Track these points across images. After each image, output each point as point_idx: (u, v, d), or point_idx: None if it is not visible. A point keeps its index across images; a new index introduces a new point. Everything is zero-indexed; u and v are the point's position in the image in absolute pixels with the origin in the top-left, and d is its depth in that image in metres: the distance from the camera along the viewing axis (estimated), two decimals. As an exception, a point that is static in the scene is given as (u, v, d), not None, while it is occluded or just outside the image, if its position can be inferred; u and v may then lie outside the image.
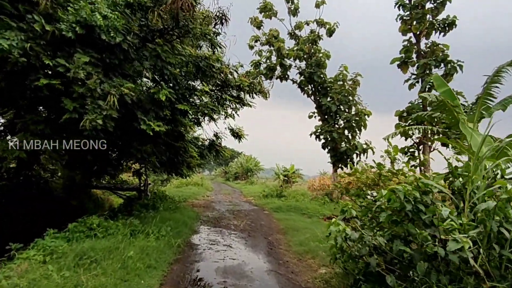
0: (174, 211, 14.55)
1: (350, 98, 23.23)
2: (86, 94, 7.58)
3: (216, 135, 13.80)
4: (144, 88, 10.00)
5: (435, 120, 13.25)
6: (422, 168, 17.49)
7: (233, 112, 12.21)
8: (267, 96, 12.23)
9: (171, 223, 11.05)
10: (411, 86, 17.47)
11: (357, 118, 22.24)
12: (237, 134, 12.84)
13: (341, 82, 23.62)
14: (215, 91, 11.41)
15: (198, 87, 10.42)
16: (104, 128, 7.94)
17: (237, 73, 11.29)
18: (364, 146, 22.23)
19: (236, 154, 77.29)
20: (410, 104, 17.37)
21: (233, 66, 11.08)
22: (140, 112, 8.77)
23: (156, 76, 10.01)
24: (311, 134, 23.92)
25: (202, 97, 9.77)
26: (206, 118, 11.78)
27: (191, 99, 10.29)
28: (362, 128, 22.79)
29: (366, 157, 22.31)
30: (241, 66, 11.83)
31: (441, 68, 16.98)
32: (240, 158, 57.49)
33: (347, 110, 23.35)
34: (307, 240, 10.21)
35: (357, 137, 22.93)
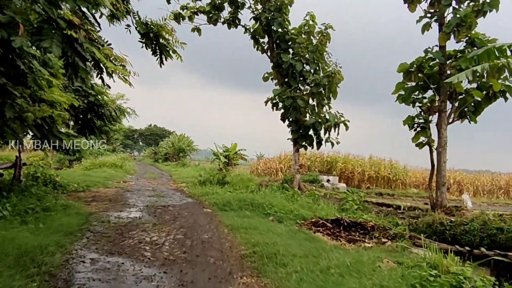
0: (35, 217, 7.38)
1: (319, 55, 17.22)
2: None
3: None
4: None
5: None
6: (434, 148, 11.93)
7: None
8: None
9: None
10: (426, 27, 11.70)
11: (326, 83, 16.25)
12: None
13: (304, 36, 17.50)
14: None
15: None
16: None
17: None
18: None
19: (167, 133, 69.11)
20: (424, 55, 11.57)
21: None
22: None
23: None
24: (266, 102, 17.59)
25: None
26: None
27: None
28: (331, 96, 16.94)
29: (338, 134, 16.56)
30: None
31: (466, 3, 11.38)
32: (172, 137, 49.66)
33: (313, 71, 17.34)
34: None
35: (326, 107, 17.03)
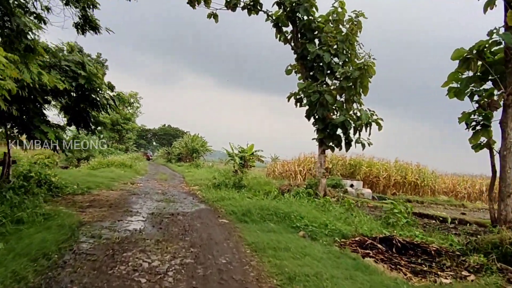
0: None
1: (349, 45, 15.27)
2: None
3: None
4: None
5: None
6: (495, 150, 9.84)
7: None
8: None
9: None
10: (489, 4, 9.61)
11: (357, 76, 14.23)
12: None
13: (332, 25, 15.56)
14: None
15: None
16: None
17: None
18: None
19: (181, 133, 67.80)
20: (488, 38, 9.47)
21: None
22: None
23: None
24: (289, 97, 15.70)
25: None
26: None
27: None
28: (361, 92, 14.90)
29: (369, 134, 14.54)
30: None
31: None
32: (185, 137, 48.10)
33: (341, 63, 15.41)
34: None
35: (355, 104, 15.04)
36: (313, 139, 15.45)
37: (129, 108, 52.86)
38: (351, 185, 22.83)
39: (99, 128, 11.61)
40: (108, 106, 8.21)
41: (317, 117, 14.71)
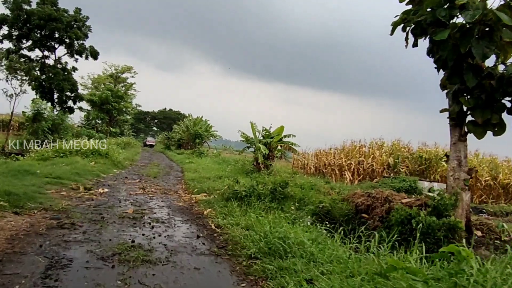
0: None
1: None
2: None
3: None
4: None
5: None
6: None
7: None
8: None
9: None
10: None
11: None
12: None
13: None
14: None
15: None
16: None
17: None
18: None
19: (182, 117, 59.48)
20: None
21: None
22: None
23: None
24: (394, 26, 7.59)
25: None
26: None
27: None
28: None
29: None
30: None
31: None
32: (186, 121, 39.84)
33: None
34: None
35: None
36: (442, 111, 7.43)
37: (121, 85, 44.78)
38: (430, 190, 14.96)
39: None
40: None
41: (464, 65, 6.68)
